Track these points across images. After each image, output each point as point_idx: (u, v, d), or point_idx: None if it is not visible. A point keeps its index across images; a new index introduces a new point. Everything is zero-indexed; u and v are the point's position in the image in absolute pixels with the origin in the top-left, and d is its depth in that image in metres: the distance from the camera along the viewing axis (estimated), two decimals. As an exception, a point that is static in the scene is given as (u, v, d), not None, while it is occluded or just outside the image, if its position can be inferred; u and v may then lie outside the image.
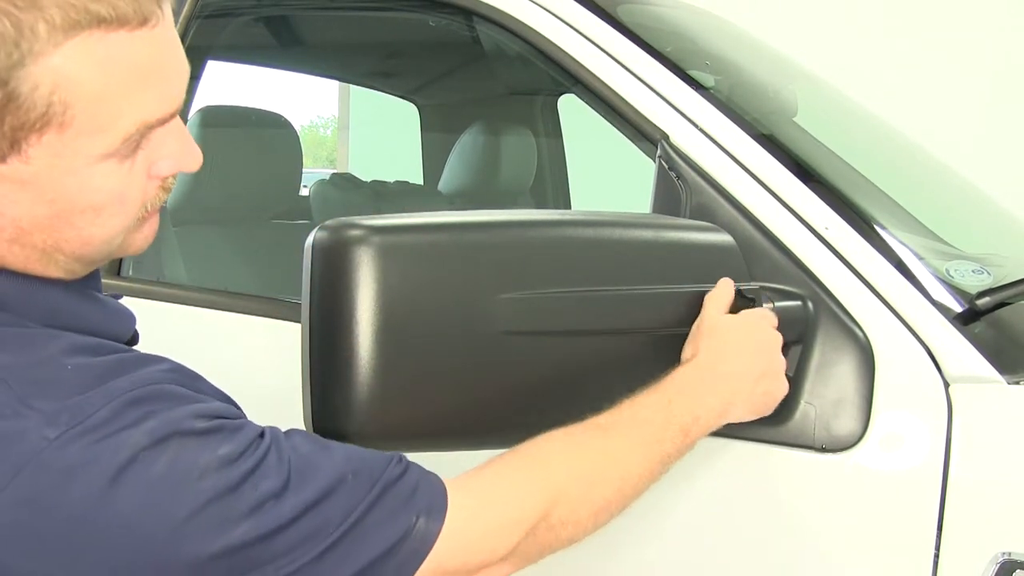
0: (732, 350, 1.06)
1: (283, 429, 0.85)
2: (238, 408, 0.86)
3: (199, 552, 0.74)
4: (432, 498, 0.85)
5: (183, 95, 0.79)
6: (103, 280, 0.95)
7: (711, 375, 1.05)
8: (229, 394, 0.87)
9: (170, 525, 0.73)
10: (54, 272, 0.81)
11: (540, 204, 2.90)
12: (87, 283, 0.87)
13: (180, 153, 0.81)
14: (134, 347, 0.98)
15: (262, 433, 0.81)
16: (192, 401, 0.79)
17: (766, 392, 1.09)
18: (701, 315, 1.09)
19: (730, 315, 1.09)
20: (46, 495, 0.71)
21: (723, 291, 1.10)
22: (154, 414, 0.75)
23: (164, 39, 0.76)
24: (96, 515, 0.72)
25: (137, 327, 0.92)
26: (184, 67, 0.80)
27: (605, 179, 3.21)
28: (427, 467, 0.90)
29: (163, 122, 0.78)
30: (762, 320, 1.10)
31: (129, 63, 0.73)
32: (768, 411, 1.10)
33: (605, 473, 0.96)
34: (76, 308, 0.83)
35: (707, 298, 1.10)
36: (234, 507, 0.75)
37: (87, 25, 0.71)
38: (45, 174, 0.74)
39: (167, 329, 1.60)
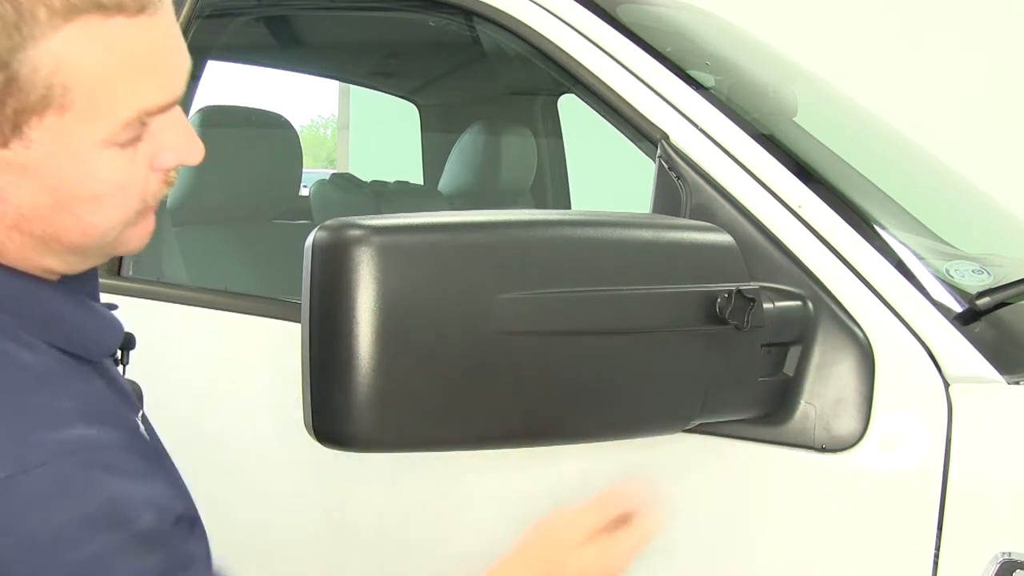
0: None
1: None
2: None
3: None
4: None
5: (183, 86, 0.81)
6: (103, 280, 0.95)
7: None
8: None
9: None
10: (51, 263, 0.81)
11: (540, 204, 2.89)
12: (83, 286, 0.87)
13: (183, 146, 0.82)
14: (130, 351, 0.98)
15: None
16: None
17: None
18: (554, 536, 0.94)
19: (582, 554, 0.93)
20: None
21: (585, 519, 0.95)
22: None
23: (163, 29, 0.78)
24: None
25: (134, 331, 0.92)
26: (185, 59, 0.81)
27: (605, 179, 3.21)
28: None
29: (162, 110, 0.79)
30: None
31: (127, 49, 0.75)
32: None
33: None
34: (72, 318, 0.83)
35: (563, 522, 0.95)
36: None
37: (85, 10, 0.73)
38: (47, 159, 0.75)
39: (167, 329, 1.60)
